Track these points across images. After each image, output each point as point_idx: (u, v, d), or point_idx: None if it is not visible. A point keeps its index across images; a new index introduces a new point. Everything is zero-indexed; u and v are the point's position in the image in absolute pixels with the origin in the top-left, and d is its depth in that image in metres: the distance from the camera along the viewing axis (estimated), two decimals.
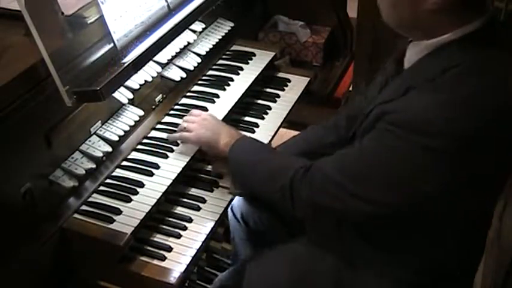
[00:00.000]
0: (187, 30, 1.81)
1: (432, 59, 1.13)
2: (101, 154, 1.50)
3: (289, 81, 2.07)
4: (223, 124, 1.59)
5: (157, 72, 1.68)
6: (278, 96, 1.99)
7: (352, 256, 1.34)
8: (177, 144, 1.65)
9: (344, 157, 1.23)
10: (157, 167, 1.57)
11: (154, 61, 1.67)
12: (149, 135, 1.69)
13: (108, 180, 1.53)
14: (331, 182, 1.20)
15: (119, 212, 1.43)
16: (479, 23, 1.10)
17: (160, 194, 1.49)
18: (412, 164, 1.10)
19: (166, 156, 1.61)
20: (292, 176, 1.26)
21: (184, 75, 1.82)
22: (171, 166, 1.58)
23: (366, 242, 1.31)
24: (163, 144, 1.65)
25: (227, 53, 2.11)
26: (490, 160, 1.12)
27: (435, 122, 1.06)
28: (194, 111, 1.67)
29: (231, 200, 1.58)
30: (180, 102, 1.84)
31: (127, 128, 1.59)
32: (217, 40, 2.01)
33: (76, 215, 1.43)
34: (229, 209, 1.77)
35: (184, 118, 1.65)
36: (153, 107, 1.76)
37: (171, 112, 1.78)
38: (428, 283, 1.29)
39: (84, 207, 1.45)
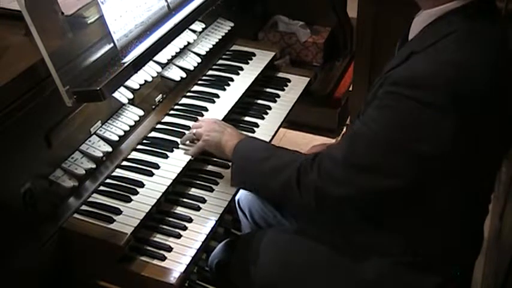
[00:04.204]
0: (187, 30, 1.81)
1: (434, 27, 1.17)
2: (101, 154, 1.50)
3: (289, 81, 2.07)
4: (232, 127, 1.58)
5: (157, 72, 1.68)
6: (278, 96, 1.99)
7: (349, 238, 1.35)
8: (177, 144, 1.65)
9: (348, 135, 1.26)
10: (157, 167, 1.57)
11: (154, 61, 1.67)
12: (149, 135, 1.69)
13: (108, 180, 1.53)
14: (338, 163, 1.21)
15: (119, 212, 1.43)
16: None
17: (160, 194, 1.49)
18: (413, 121, 1.12)
19: (166, 156, 1.61)
20: (299, 166, 1.28)
21: (184, 75, 1.82)
22: (171, 166, 1.58)
23: (364, 222, 1.32)
24: (164, 144, 1.65)
25: (227, 53, 2.11)
26: (487, 122, 1.15)
27: (435, 77, 1.09)
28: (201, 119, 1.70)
29: (231, 200, 1.58)
30: (180, 102, 1.84)
31: (127, 128, 1.59)
32: (217, 40, 2.01)
33: (76, 215, 1.43)
34: (236, 204, 1.79)
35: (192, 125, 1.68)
36: (153, 107, 1.76)
37: (171, 112, 1.79)
38: (425, 265, 1.29)
39: (84, 207, 1.45)
